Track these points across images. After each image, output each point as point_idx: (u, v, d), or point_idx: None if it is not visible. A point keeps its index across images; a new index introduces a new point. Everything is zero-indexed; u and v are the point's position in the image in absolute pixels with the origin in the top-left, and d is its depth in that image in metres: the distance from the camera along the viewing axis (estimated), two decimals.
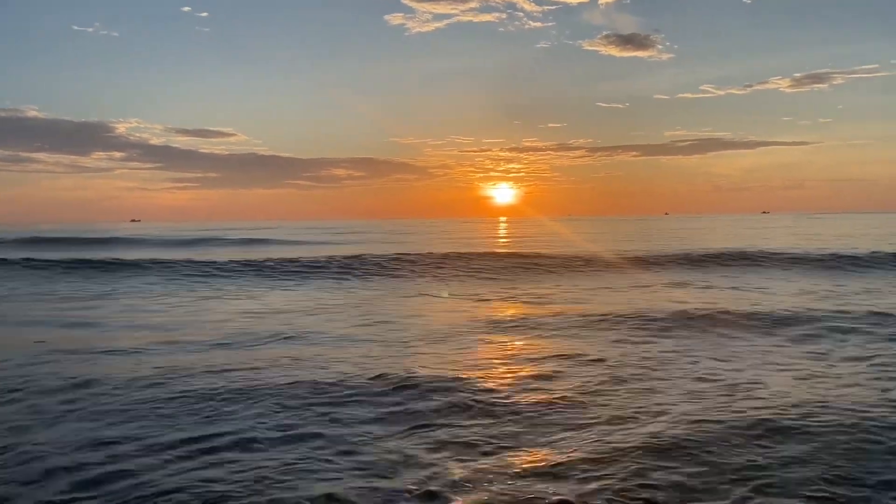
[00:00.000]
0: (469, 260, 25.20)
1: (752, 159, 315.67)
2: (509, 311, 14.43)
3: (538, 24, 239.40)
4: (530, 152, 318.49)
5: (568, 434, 5.94)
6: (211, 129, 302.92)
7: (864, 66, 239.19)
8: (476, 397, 7.13)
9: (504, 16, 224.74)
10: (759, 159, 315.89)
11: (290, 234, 62.60)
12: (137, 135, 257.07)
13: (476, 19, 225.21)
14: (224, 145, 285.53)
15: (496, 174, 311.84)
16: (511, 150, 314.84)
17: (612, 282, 20.03)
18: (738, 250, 26.28)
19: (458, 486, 4.88)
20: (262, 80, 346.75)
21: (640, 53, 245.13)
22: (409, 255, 26.19)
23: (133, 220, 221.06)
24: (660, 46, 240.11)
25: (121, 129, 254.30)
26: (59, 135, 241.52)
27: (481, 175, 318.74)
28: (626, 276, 21.52)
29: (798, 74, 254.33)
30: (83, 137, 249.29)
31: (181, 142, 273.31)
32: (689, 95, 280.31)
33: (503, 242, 43.65)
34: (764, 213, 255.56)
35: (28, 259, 26.01)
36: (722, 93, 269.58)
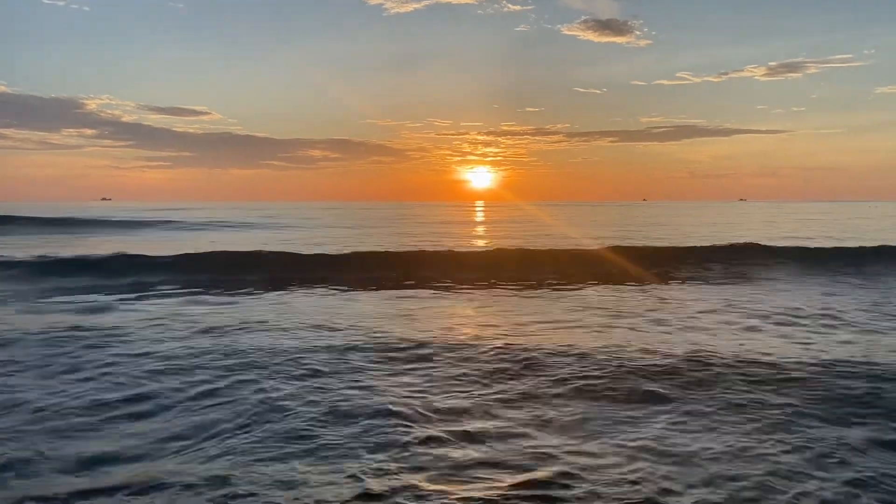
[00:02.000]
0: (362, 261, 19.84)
1: (726, 147, 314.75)
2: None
3: (517, 8, 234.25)
4: (508, 136, 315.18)
5: None
6: (185, 106, 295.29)
7: (837, 56, 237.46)
8: None
9: None
10: (733, 147, 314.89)
11: (220, 216, 57.34)
12: (109, 111, 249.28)
13: (455, 1, 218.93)
14: (198, 124, 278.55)
15: (474, 158, 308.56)
16: (489, 133, 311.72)
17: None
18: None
19: None
20: (237, 58, 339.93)
21: (617, 39, 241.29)
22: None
23: (104, 199, 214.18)
24: (637, 33, 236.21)
25: (92, 105, 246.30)
26: (28, 111, 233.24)
27: (459, 158, 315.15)
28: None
29: (773, 63, 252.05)
30: (53, 113, 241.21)
31: (154, 119, 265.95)
32: (666, 82, 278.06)
33: (447, 234, 38.80)
34: (741, 200, 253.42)
35: None
36: (698, 80, 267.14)
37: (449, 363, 7.50)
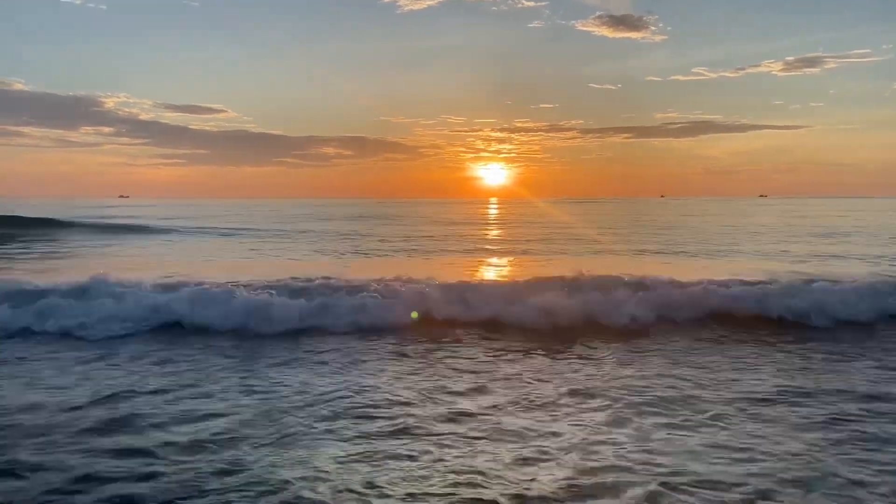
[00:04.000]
0: None
1: (742, 143, 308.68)
2: None
3: (531, 4, 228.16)
4: (522, 133, 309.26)
5: None
6: (200, 105, 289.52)
7: (856, 51, 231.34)
8: None
9: None
10: (750, 143, 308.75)
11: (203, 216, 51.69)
12: (126, 109, 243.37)
13: None
14: (213, 122, 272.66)
15: (487, 154, 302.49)
16: (503, 130, 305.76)
17: None
18: None
19: None
20: (251, 57, 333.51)
21: (632, 35, 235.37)
22: None
23: (121, 196, 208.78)
24: (653, 28, 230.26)
25: (109, 103, 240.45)
26: (46, 109, 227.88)
27: (472, 155, 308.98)
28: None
29: (791, 58, 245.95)
30: (71, 111, 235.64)
31: (170, 117, 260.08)
32: (682, 78, 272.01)
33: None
34: (761, 196, 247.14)
35: None
36: (714, 75, 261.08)
37: None
